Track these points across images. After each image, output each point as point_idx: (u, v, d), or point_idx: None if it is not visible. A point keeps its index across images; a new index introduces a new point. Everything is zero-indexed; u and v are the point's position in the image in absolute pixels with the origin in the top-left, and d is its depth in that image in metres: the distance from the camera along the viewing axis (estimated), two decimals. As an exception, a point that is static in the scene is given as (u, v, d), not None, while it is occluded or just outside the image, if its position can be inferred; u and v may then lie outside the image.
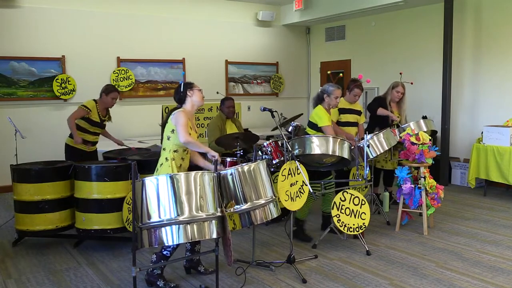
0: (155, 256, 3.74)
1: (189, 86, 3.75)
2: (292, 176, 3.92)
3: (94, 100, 5.43)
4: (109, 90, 5.43)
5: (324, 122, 4.72)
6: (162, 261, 3.71)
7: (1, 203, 6.77)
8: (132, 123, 8.27)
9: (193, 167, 3.91)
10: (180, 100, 3.74)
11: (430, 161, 5.06)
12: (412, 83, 6.39)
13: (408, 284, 3.80)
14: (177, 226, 3.02)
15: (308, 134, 4.77)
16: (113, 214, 4.50)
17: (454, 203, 6.37)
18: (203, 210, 3.09)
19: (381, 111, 5.83)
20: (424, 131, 5.46)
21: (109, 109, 5.58)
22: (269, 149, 4.42)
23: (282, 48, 10.23)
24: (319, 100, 4.83)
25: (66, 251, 4.70)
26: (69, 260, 4.45)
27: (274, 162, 4.41)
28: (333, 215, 4.50)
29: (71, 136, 5.42)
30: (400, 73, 6.13)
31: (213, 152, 3.57)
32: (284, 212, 4.82)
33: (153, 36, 8.49)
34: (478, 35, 7.42)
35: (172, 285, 3.73)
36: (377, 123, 5.82)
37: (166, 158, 3.67)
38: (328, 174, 4.89)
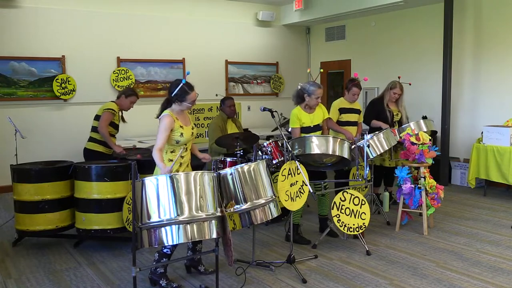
0: (157, 254, 3.74)
1: (181, 98, 3.61)
2: (292, 176, 3.92)
3: (115, 102, 5.30)
4: (129, 94, 5.27)
5: (291, 124, 4.70)
6: (164, 259, 3.72)
7: (1, 203, 6.76)
8: (132, 123, 8.24)
9: (192, 167, 3.91)
10: (169, 101, 3.70)
11: (430, 161, 5.06)
12: (410, 84, 6.38)
13: (408, 284, 3.80)
14: (177, 226, 3.02)
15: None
16: (113, 214, 4.50)
17: (454, 203, 6.37)
18: (203, 210, 3.09)
19: (374, 124, 5.83)
20: (424, 131, 5.45)
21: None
22: (269, 149, 4.42)
23: (282, 48, 10.23)
24: (299, 99, 4.68)
25: (66, 251, 4.70)
26: (69, 260, 4.45)
27: (274, 162, 4.41)
28: (333, 215, 4.51)
29: (91, 140, 5.29)
30: (399, 77, 6.12)
31: (164, 170, 3.45)
32: (284, 212, 4.82)
33: (153, 36, 8.49)
34: (478, 35, 7.43)
35: (175, 285, 3.74)
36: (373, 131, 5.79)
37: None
38: (324, 176, 4.87)
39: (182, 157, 3.72)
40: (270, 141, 4.48)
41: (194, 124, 3.90)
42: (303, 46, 10.60)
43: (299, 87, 4.69)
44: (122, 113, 5.46)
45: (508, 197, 6.67)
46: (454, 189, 7.27)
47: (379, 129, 5.58)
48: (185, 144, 3.72)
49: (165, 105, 3.73)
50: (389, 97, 5.90)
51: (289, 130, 4.79)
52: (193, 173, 3.16)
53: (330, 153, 4.35)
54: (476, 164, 6.63)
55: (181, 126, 3.65)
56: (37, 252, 4.66)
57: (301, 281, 3.86)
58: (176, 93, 3.60)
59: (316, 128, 4.72)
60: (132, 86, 8.26)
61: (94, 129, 5.29)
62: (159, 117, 3.66)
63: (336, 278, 3.95)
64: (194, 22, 8.96)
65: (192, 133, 3.76)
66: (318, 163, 4.67)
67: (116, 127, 5.36)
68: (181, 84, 3.61)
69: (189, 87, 3.63)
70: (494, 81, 7.28)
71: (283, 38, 10.24)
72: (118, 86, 8.12)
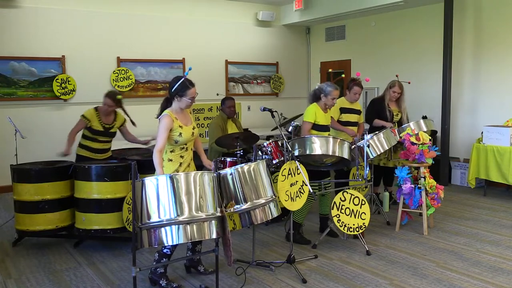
0: (157, 254, 3.74)
1: (181, 92, 3.59)
2: (292, 176, 3.92)
3: (95, 108, 5.14)
4: (104, 95, 5.08)
5: (306, 118, 4.72)
6: (164, 259, 3.72)
7: (1, 203, 6.77)
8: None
9: (197, 167, 3.91)
10: (170, 96, 3.68)
11: (430, 161, 5.06)
12: (409, 83, 6.38)
13: (408, 284, 3.80)
14: (176, 226, 3.02)
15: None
16: (113, 214, 4.50)
17: (454, 203, 6.37)
18: (203, 210, 3.09)
19: (376, 123, 5.84)
20: (424, 131, 5.46)
21: (123, 114, 5.25)
22: (269, 149, 4.42)
23: (282, 48, 10.24)
24: (315, 98, 4.78)
25: (66, 251, 4.70)
26: (69, 260, 4.45)
27: (274, 162, 4.41)
28: (333, 215, 4.51)
29: (80, 146, 5.21)
30: (397, 76, 6.13)
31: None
32: (284, 212, 4.82)
33: (153, 36, 8.49)
34: (478, 35, 7.43)
35: (174, 285, 3.74)
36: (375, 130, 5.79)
37: (163, 159, 3.66)
38: (327, 175, 4.88)
39: (181, 156, 3.72)
40: (270, 141, 4.48)
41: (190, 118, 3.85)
42: (303, 46, 10.60)
43: (316, 87, 4.80)
44: (117, 116, 5.24)
45: (508, 197, 6.67)
46: (454, 189, 7.27)
47: (380, 128, 5.58)
48: (185, 144, 3.72)
49: (165, 105, 3.72)
50: (389, 97, 5.92)
51: (289, 130, 4.79)
52: (193, 173, 3.16)
53: (330, 153, 4.35)
54: (476, 164, 6.62)
55: (180, 126, 3.64)
56: (37, 252, 4.66)
57: (301, 281, 3.86)
58: (176, 88, 3.59)
59: (328, 127, 4.83)
60: (132, 86, 8.26)
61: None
62: (159, 118, 3.65)
63: (336, 278, 3.95)
64: (194, 22, 8.97)
65: (193, 133, 3.73)
66: (318, 163, 4.67)
67: (95, 132, 5.10)
68: (183, 79, 3.62)
69: (190, 82, 3.64)
70: (494, 81, 7.28)
71: (283, 38, 10.24)
72: (118, 86, 8.13)
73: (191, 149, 3.83)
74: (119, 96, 5.09)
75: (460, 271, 4.05)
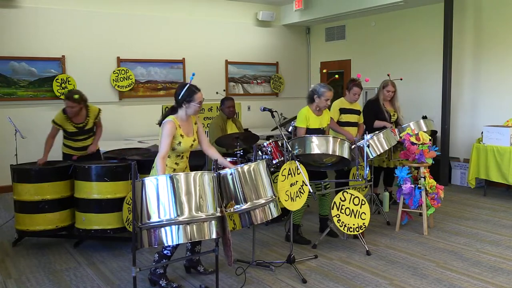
0: (157, 255, 3.74)
1: (188, 98, 3.59)
2: (292, 176, 3.92)
3: (63, 110, 5.12)
4: (64, 98, 5.07)
5: (298, 123, 4.71)
6: (164, 260, 3.72)
7: (1, 203, 6.77)
8: (132, 123, 8.27)
9: (192, 167, 3.91)
10: (177, 103, 3.68)
11: (430, 161, 5.06)
12: (401, 79, 6.37)
13: (408, 284, 3.80)
14: (176, 226, 3.02)
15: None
16: (113, 214, 4.50)
17: (454, 203, 6.37)
18: (203, 210, 3.09)
19: (377, 124, 5.82)
20: (424, 131, 5.46)
21: (89, 110, 5.22)
22: (269, 149, 4.42)
23: (282, 48, 10.23)
24: (309, 99, 4.72)
25: (66, 251, 4.70)
26: (69, 260, 4.45)
27: (274, 162, 4.41)
28: (333, 215, 4.51)
29: (64, 144, 5.29)
30: (388, 75, 6.12)
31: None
32: (284, 212, 4.82)
33: (153, 36, 8.49)
34: (478, 35, 7.43)
35: (174, 285, 3.74)
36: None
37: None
38: (324, 176, 4.87)
39: (176, 164, 3.71)
40: (270, 141, 4.48)
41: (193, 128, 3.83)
42: (303, 46, 10.59)
43: (311, 88, 4.76)
44: (89, 112, 5.19)
45: (508, 197, 6.67)
46: (454, 189, 7.27)
47: (381, 129, 5.57)
48: (182, 153, 3.71)
49: (169, 113, 3.69)
50: (383, 96, 5.91)
51: (289, 130, 4.79)
52: (193, 173, 3.16)
53: (330, 153, 4.35)
54: (476, 164, 6.63)
55: (181, 135, 3.62)
56: (37, 252, 4.66)
57: (301, 281, 3.86)
58: (183, 94, 3.59)
59: (322, 131, 4.78)
60: (132, 86, 8.26)
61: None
62: (162, 123, 3.63)
63: (336, 278, 3.95)
64: (194, 22, 8.96)
65: (192, 145, 3.71)
66: (318, 163, 4.67)
67: (70, 134, 5.15)
68: (188, 85, 3.62)
69: (196, 87, 3.66)
70: (494, 81, 7.28)
71: (283, 38, 10.24)
72: (118, 86, 8.13)
73: (187, 157, 3.81)
74: (76, 96, 5.02)
75: (460, 271, 4.05)
